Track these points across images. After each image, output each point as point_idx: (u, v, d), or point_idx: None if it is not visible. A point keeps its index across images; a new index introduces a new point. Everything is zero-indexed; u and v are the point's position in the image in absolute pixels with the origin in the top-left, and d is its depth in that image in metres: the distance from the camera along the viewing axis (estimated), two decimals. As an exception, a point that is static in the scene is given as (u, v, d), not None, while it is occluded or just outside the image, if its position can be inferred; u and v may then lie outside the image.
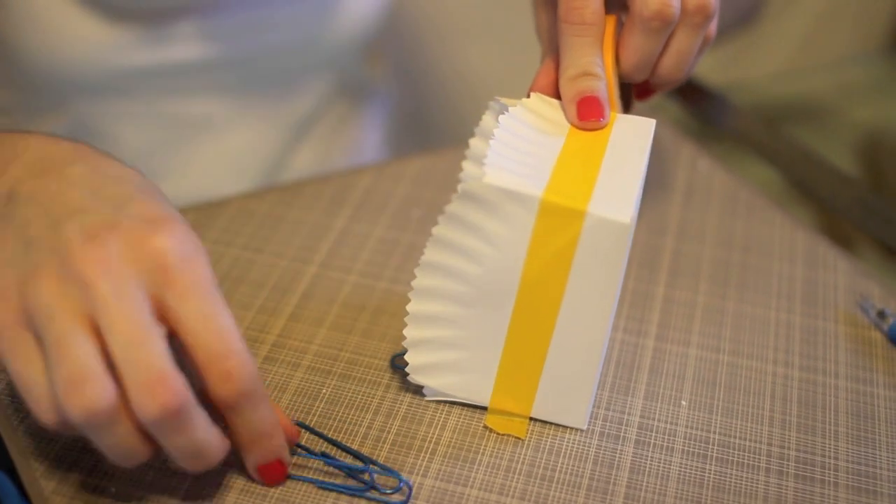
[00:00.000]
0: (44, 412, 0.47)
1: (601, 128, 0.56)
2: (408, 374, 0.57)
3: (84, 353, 0.45)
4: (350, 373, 0.60)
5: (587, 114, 0.56)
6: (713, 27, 0.62)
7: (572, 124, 0.57)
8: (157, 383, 0.45)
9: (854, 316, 0.66)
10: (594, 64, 0.58)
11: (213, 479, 0.53)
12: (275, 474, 0.52)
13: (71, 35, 0.77)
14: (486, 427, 0.57)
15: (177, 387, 0.46)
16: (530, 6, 0.68)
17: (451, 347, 0.56)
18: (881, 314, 0.65)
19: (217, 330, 0.47)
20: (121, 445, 0.47)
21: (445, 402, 0.58)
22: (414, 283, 0.54)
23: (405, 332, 0.55)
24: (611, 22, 0.60)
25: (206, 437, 0.48)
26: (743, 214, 0.75)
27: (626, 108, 0.66)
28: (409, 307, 0.55)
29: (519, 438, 0.56)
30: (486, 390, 0.57)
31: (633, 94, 0.66)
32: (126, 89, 0.81)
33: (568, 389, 0.56)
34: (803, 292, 0.68)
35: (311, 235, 0.70)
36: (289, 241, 0.69)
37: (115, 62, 0.79)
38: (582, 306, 0.53)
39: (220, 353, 0.47)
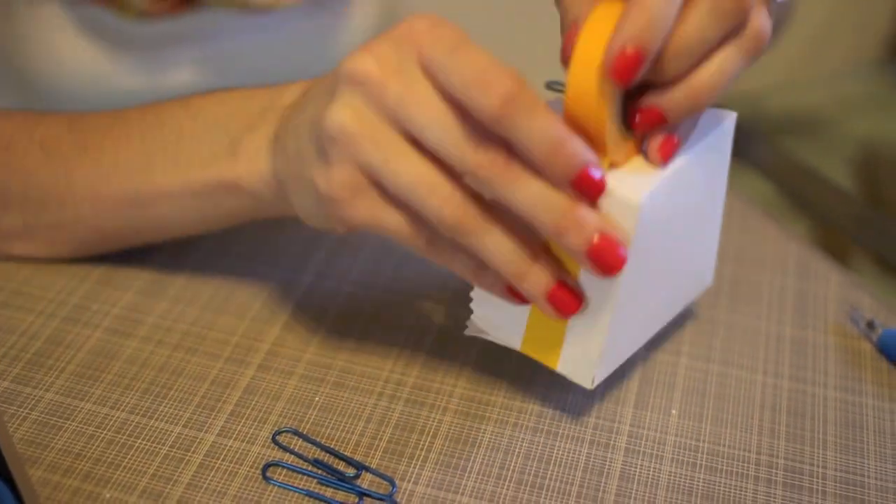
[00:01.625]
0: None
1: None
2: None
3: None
4: (343, 381, 0.60)
5: (625, 65, 0.49)
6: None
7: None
8: (485, 80, 0.47)
9: (844, 327, 0.67)
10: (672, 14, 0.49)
11: (207, 484, 0.54)
12: (594, 187, 0.49)
13: (71, 57, 0.78)
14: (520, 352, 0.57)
15: (507, 71, 0.47)
16: (526, 18, 0.68)
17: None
18: (870, 325, 0.66)
19: (466, 59, 0.48)
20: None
21: (438, 405, 0.59)
22: None
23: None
24: None
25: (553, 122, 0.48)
26: (735, 226, 0.75)
27: None
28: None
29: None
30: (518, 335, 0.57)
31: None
32: None
33: (583, 349, 0.55)
34: (794, 303, 0.69)
35: (307, 245, 0.70)
36: (284, 250, 0.70)
37: (113, 85, 0.79)
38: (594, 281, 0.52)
39: (475, 72, 0.47)
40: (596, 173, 0.48)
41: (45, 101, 0.81)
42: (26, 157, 0.65)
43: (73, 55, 0.78)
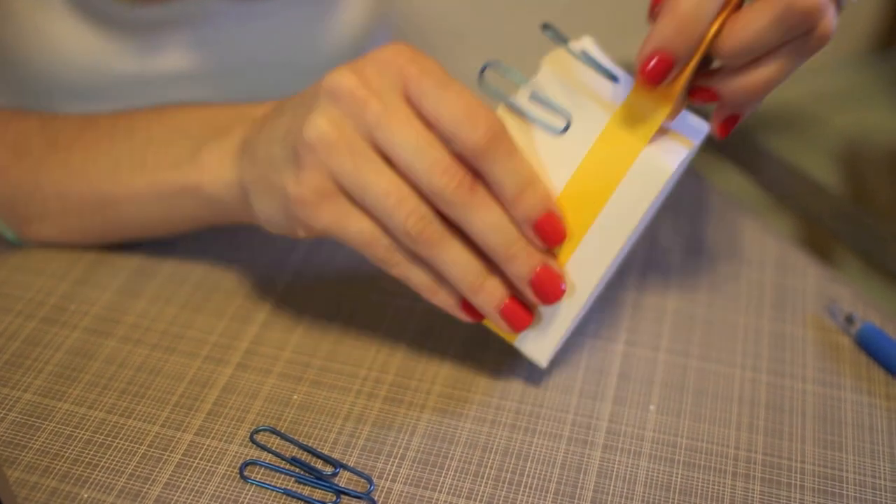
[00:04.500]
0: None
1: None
2: None
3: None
4: (321, 379, 0.60)
5: (651, 74, 0.52)
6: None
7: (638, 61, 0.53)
8: (471, 117, 0.51)
9: (822, 321, 0.67)
10: (708, 16, 0.51)
11: (185, 483, 0.53)
12: (553, 232, 0.53)
13: (62, 40, 0.78)
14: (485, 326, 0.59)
15: (492, 111, 0.51)
16: (517, 11, 0.69)
17: None
18: (849, 319, 0.66)
19: (456, 94, 0.51)
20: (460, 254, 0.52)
21: (416, 403, 0.59)
22: None
23: None
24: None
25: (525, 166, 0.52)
26: (713, 220, 0.75)
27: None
28: None
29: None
30: None
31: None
32: (117, 95, 0.82)
33: (545, 331, 0.57)
34: (772, 297, 0.69)
35: (285, 245, 0.70)
36: (263, 249, 0.70)
37: (104, 69, 0.80)
38: (598, 242, 0.55)
39: (465, 107, 0.51)
40: (558, 223, 0.53)
41: (37, 85, 0.81)
42: None
43: (66, 38, 0.78)
